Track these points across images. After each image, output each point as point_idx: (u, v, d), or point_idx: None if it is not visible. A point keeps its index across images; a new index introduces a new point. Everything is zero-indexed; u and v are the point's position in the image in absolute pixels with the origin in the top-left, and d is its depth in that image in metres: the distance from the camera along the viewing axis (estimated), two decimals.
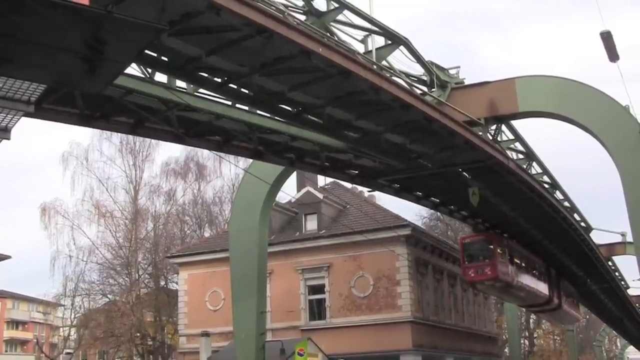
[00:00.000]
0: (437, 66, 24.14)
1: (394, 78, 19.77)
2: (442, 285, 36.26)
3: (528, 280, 32.77)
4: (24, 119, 9.44)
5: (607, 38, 21.73)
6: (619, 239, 46.97)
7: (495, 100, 24.05)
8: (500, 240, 30.34)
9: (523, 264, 32.44)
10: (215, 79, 16.10)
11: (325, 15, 17.76)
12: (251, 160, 24.73)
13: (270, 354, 25.54)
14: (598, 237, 42.85)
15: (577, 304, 48.50)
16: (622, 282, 50.79)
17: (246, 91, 16.64)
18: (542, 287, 35.58)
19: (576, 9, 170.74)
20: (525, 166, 29.49)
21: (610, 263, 46.64)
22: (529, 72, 25.17)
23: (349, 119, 19.03)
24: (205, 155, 51.09)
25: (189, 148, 47.15)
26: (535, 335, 75.77)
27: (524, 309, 59.36)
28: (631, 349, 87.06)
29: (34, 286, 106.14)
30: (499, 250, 29.52)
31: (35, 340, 74.31)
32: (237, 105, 18.31)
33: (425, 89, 23.73)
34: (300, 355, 26.39)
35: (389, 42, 20.56)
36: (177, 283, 42.19)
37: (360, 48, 19.70)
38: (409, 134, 20.83)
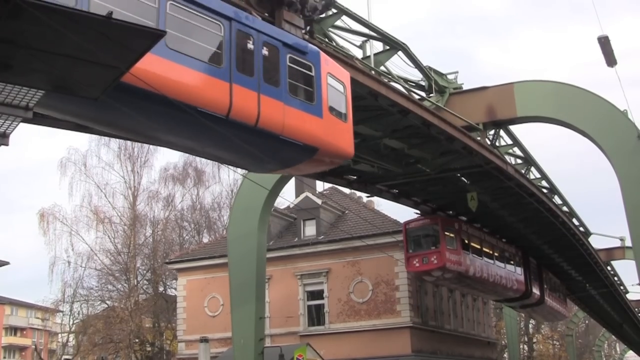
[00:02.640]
0: (435, 71, 24.20)
1: (392, 83, 19.81)
2: (441, 291, 36.19)
3: (494, 271, 29.07)
4: (22, 124, 9.44)
5: (604, 43, 21.82)
6: (617, 243, 47.03)
7: (494, 105, 24.10)
8: (451, 224, 26.80)
9: (487, 252, 28.90)
10: None
11: (324, 21, 17.81)
12: None
13: None
14: (597, 242, 43.02)
15: (565, 299, 44.81)
16: (621, 287, 50.80)
17: None
18: (517, 279, 31.75)
19: (574, 15, 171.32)
20: (523, 171, 29.55)
21: (609, 268, 46.66)
22: (527, 77, 24.97)
23: None
24: (203, 160, 51.06)
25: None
26: (534, 340, 75.71)
27: (523, 314, 59.22)
28: (630, 354, 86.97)
29: (32, 292, 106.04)
30: (448, 235, 26.07)
31: (33, 347, 74.09)
32: None
33: (423, 94, 23.81)
34: None
35: (387, 47, 20.62)
36: (175, 289, 42.14)
37: (358, 53, 19.77)
38: (408, 139, 20.87)
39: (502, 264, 30.42)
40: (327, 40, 18.03)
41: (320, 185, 36.62)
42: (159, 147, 43.48)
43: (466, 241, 27.35)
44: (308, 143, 13.21)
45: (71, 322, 53.64)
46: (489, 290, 31.69)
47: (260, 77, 12.04)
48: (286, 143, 12.81)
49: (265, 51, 12.32)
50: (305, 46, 13.51)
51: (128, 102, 10.42)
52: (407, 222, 27.24)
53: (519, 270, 32.34)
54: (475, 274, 27.48)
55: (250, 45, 12.08)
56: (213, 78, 11.35)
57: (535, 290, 34.42)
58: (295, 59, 13.00)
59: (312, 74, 13.32)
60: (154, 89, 10.08)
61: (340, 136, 14.01)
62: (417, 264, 26.14)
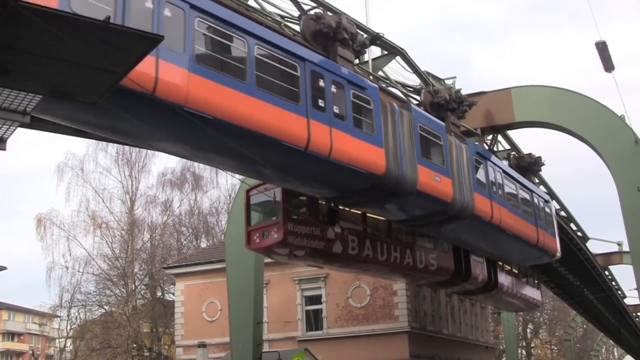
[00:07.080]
0: (433, 76, 24.21)
1: (390, 88, 19.84)
2: (439, 295, 36.18)
3: (387, 247, 21.03)
4: (19, 129, 9.42)
5: (602, 48, 21.89)
6: (615, 248, 47.08)
7: (492, 110, 24.11)
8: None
9: (373, 224, 20.81)
10: None
11: None
12: None
13: None
14: (595, 247, 42.98)
15: (539, 285, 36.40)
16: (619, 292, 50.79)
17: None
18: (436, 258, 23.05)
19: (571, 21, 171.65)
20: None
21: (607, 272, 46.66)
22: (524, 83, 24.72)
23: None
24: (201, 165, 51.07)
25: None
26: (532, 345, 75.73)
27: (521, 319, 59.03)
28: (628, 358, 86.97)
29: (30, 297, 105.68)
30: (297, 202, 19.01)
31: (31, 352, 73.99)
32: None
33: None
34: None
35: (385, 52, 20.64)
36: (173, 294, 42.07)
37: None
38: None
39: (402, 239, 22.14)
40: None
41: None
42: (156, 152, 43.37)
43: (332, 210, 19.61)
44: (553, 252, 25.35)
45: (69, 327, 53.67)
46: (387, 272, 23.47)
47: (522, 209, 22.81)
48: (545, 252, 24.60)
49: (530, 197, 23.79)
50: (548, 198, 26.07)
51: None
52: (250, 189, 20.14)
53: (443, 246, 23.69)
54: (349, 251, 19.92)
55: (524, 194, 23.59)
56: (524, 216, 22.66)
57: (478, 272, 25.75)
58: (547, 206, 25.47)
59: (550, 213, 25.86)
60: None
61: (558, 246, 26.09)
62: (258, 240, 19.48)
